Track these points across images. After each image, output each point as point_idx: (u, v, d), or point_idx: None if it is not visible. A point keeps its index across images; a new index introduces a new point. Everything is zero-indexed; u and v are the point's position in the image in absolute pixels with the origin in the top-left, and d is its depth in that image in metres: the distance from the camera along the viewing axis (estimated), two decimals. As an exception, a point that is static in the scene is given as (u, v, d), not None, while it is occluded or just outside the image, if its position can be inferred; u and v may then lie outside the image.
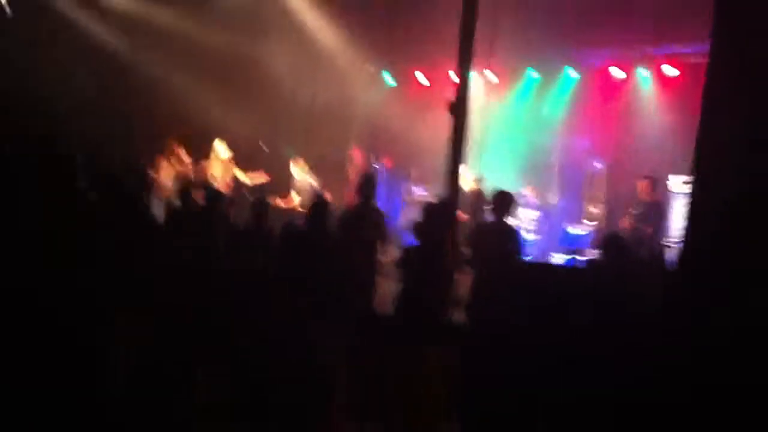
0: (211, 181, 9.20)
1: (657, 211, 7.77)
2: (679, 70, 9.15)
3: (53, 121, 8.73)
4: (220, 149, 9.76)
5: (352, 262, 5.95)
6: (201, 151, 9.80)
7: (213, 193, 7.04)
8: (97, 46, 10.54)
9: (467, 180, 8.55)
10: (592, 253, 7.23)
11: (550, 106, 10.31)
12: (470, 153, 7.13)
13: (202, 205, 6.78)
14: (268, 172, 9.95)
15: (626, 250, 5.96)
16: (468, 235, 6.81)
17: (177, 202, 7.86)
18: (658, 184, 7.94)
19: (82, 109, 9.63)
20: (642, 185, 7.89)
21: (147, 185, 7.31)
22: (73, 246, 3.99)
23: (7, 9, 10.02)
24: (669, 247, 7.73)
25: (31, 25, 9.90)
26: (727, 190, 5.40)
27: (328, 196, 8.07)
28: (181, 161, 9.50)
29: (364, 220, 6.56)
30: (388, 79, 11.91)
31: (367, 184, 6.81)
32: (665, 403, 4.29)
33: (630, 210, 7.92)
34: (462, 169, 9.68)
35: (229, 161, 9.80)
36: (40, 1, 10.16)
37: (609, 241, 6.12)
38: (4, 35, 9.61)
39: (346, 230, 6.47)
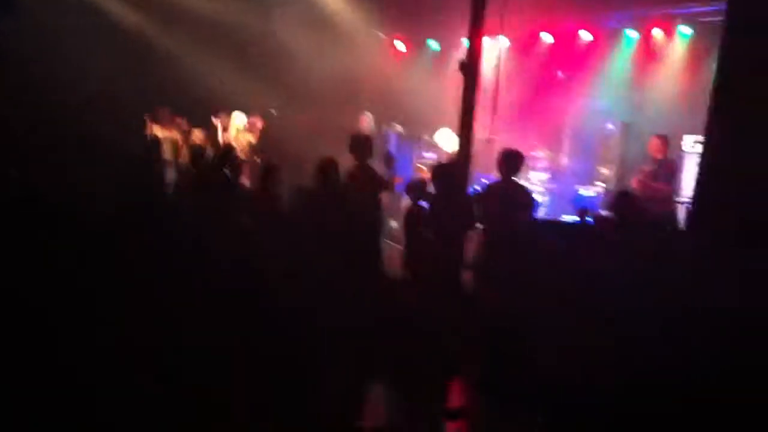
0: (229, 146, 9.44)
1: (669, 168, 7.69)
2: (694, 29, 9.01)
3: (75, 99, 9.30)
4: (238, 118, 10.34)
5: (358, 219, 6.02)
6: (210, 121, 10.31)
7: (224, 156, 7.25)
8: (113, 25, 10.91)
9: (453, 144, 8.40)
10: (603, 213, 7.20)
11: (565, 68, 10.21)
12: (482, 115, 7.13)
13: (213, 168, 6.92)
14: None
15: (635, 208, 5.96)
16: (477, 194, 6.84)
17: (188, 166, 8.13)
18: (670, 143, 7.86)
19: (102, 86, 9.90)
20: (654, 143, 7.80)
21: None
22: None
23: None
24: (680, 204, 7.70)
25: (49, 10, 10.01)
26: (739, 150, 5.39)
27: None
28: (179, 128, 9.98)
29: (366, 177, 6.65)
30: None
31: (360, 144, 6.84)
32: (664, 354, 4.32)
33: (641, 167, 7.85)
34: (447, 133, 9.74)
35: (244, 129, 10.40)
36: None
37: (618, 199, 6.12)
38: (26, 23, 9.74)
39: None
